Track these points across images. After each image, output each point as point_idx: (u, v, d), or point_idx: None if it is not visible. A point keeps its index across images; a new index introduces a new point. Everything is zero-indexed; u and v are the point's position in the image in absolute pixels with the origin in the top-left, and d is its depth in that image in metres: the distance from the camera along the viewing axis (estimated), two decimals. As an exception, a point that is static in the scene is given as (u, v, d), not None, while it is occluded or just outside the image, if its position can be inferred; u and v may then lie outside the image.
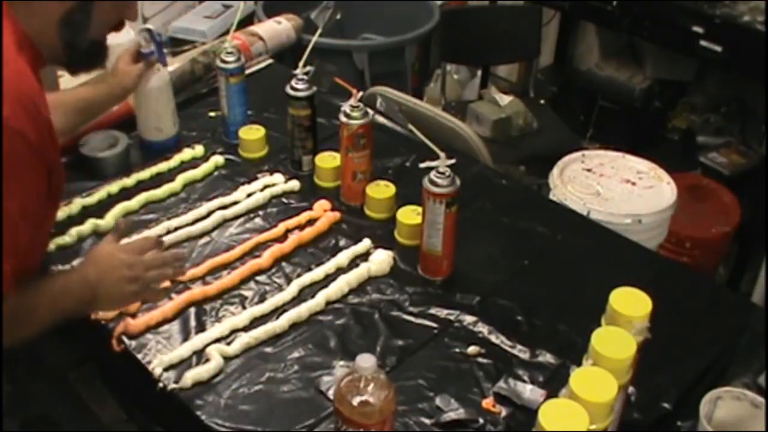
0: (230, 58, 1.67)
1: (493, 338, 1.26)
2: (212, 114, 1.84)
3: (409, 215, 1.45)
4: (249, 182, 1.60)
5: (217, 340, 1.24)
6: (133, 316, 1.27)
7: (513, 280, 1.40)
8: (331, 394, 1.13)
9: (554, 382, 1.15)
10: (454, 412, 1.12)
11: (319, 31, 1.66)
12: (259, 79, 1.96)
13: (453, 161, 1.29)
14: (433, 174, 1.30)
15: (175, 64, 1.88)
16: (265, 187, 1.59)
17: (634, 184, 1.92)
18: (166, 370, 1.18)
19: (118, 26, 1.22)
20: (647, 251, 1.54)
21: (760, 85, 2.43)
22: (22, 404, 1.39)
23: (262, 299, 1.32)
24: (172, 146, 1.68)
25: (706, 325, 1.31)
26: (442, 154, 1.29)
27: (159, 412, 1.26)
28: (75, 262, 1.37)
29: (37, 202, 1.10)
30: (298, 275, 1.37)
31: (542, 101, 3.08)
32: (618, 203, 1.85)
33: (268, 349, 1.23)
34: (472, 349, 1.23)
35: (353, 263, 1.41)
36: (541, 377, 1.18)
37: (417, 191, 1.33)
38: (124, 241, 1.23)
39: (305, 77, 1.57)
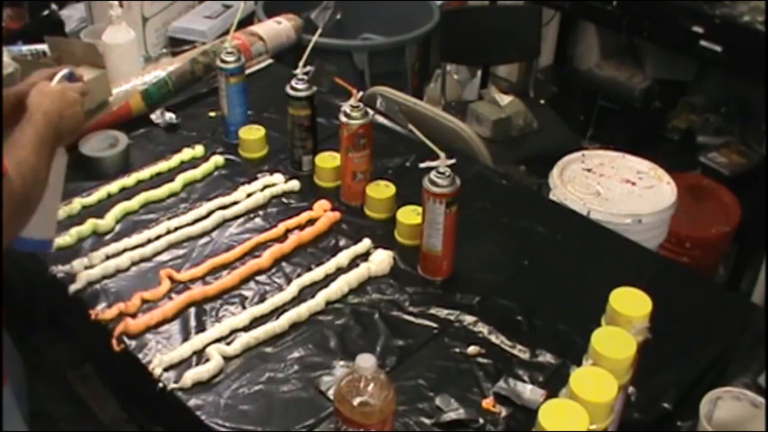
0: (230, 58, 1.67)
1: (493, 338, 1.26)
2: (212, 114, 1.84)
3: (409, 215, 1.45)
4: (249, 182, 1.60)
5: (217, 340, 1.24)
6: (133, 316, 1.27)
7: (513, 280, 1.40)
8: (331, 394, 1.13)
9: (554, 382, 1.14)
10: (454, 412, 1.12)
11: (319, 31, 1.66)
12: (259, 79, 1.96)
13: (453, 161, 1.29)
14: (433, 174, 1.30)
15: (175, 64, 1.88)
16: (265, 187, 1.59)
17: (634, 184, 1.92)
18: (166, 370, 1.18)
19: None
20: (647, 251, 1.54)
21: (760, 85, 2.43)
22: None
23: (262, 299, 1.32)
24: (40, 251, 1.31)
25: (706, 325, 1.31)
26: (442, 154, 1.29)
27: (159, 412, 1.26)
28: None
29: None
30: (298, 275, 1.37)
31: (542, 101, 3.08)
32: (618, 203, 1.85)
33: (268, 349, 1.23)
34: (472, 349, 1.23)
35: (353, 263, 1.40)
36: (541, 377, 1.18)
37: (417, 191, 1.33)
38: None
39: (305, 77, 1.57)
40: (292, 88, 1.57)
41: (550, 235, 1.50)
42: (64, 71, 1.27)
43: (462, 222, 1.35)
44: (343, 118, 1.48)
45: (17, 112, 1.16)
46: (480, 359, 1.22)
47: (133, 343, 1.23)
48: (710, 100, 3.07)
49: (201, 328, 1.26)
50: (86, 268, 1.36)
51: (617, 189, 1.90)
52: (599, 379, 0.93)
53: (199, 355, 1.21)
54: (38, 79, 1.26)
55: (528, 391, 1.15)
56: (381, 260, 1.39)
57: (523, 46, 3.01)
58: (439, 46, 2.87)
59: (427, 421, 1.12)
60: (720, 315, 1.35)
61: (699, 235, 2.37)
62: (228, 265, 1.39)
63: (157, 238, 1.44)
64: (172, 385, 1.16)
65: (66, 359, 1.81)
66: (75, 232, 1.43)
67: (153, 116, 1.80)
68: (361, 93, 1.49)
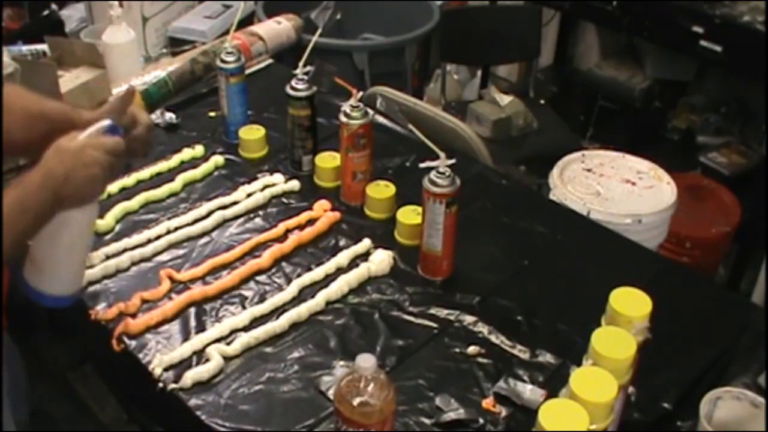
0: (230, 58, 1.67)
1: (493, 338, 1.26)
2: (212, 114, 1.84)
3: (409, 215, 1.45)
4: (249, 182, 1.60)
5: (217, 340, 1.24)
6: (133, 316, 1.28)
7: (513, 280, 1.39)
8: (331, 394, 1.13)
9: (554, 382, 1.14)
10: (454, 412, 1.12)
11: (319, 31, 1.66)
12: (259, 79, 1.97)
13: (453, 161, 1.29)
14: (433, 174, 1.30)
15: (175, 64, 1.88)
16: (265, 187, 1.59)
17: (634, 184, 1.92)
18: (166, 370, 1.18)
19: None
20: (647, 251, 1.54)
21: (760, 85, 2.43)
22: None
23: (262, 299, 1.32)
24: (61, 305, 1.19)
25: (706, 325, 1.31)
26: (442, 154, 1.29)
27: (159, 412, 1.26)
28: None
29: None
30: (298, 275, 1.37)
31: (542, 101, 3.08)
32: (618, 203, 1.85)
33: (268, 349, 1.23)
34: (472, 349, 1.23)
35: (353, 263, 1.40)
36: (541, 377, 1.18)
37: (417, 191, 1.33)
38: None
39: (305, 77, 1.57)
40: (292, 88, 1.57)
41: (550, 235, 1.50)
42: (104, 123, 1.09)
43: (462, 222, 1.35)
44: (343, 118, 1.48)
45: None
46: (480, 359, 1.22)
47: (133, 343, 1.23)
48: (710, 100, 3.07)
49: (201, 328, 1.26)
50: (86, 267, 1.36)
51: (617, 189, 1.90)
52: (599, 379, 0.93)
53: (199, 355, 1.21)
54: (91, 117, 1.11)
55: (528, 391, 1.15)
56: (381, 260, 1.39)
57: (523, 46, 3.01)
58: (439, 46, 2.87)
59: (427, 421, 1.12)
60: (720, 315, 1.35)
61: (699, 235, 2.37)
62: (228, 265, 1.39)
63: (157, 238, 1.44)
64: (172, 385, 1.16)
65: (66, 359, 1.81)
66: (75, 232, 1.43)
67: (153, 116, 1.79)
68: (361, 93, 1.49)
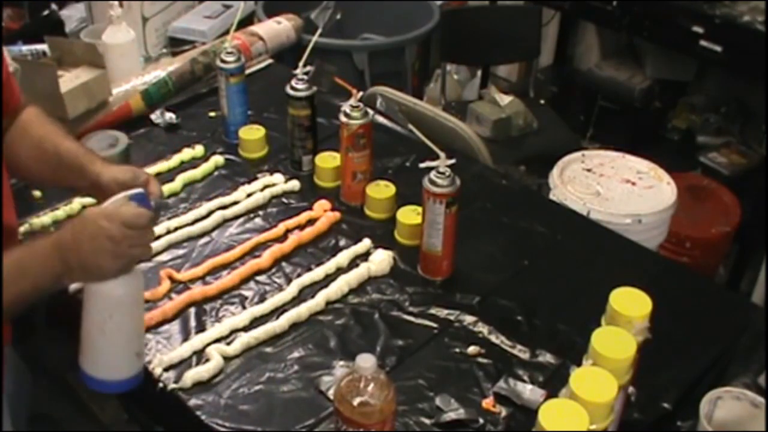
0: (230, 58, 1.67)
1: (493, 338, 1.26)
2: (212, 114, 1.84)
3: (409, 215, 1.45)
4: (249, 182, 1.60)
5: (217, 340, 1.24)
6: (133, 316, 1.27)
7: (513, 280, 1.39)
8: (331, 394, 1.13)
9: (554, 382, 1.14)
10: (454, 412, 1.12)
11: (319, 31, 1.66)
12: (259, 79, 1.97)
13: (453, 161, 1.29)
14: (433, 174, 1.30)
15: (175, 64, 1.88)
16: (265, 187, 1.59)
17: (634, 184, 1.92)
18: (166, 370, 1.18)
19: None
20: (647, 251, 1.54)
21: (760, 85, 2.43)
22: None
23: (262, 299, 1.32)
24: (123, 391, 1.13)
25: (706, 325, 1.31)
26: (442, 154, 1.29)
27: (159, 412, 1.26)
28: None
29: None
30: (298, 275, 1.37)
31: (542, 101, 3.09)
32: (618, 203, 1.85)
33: (268, 349, 1.23)
34: (472, 349, 1.23)
35: (353, 263, 1.40)
36: (541, 377, 1.18)
37: (417, 191, 1.33)
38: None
39: (305, 77, 1.57)
40: (292, 88, 1.57)
41: (550, 235, 1.50)
42: (131, 192, 1.04)
43: (462, 222, 1.35)
44: (343, 118, 1.48)
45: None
46: (480, 359, 1.22)
47: (133, 343, 1.23)
48: (710, 100, 3.07)
49: (201, 328, 1.26)
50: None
51: (617, 189, 1.90)
52: (599, 379, 0.93)
53: (199, 355, 1.21)
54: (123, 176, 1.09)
55: (528, 391, 1.15)
56: (381, 260, 1.39)
57: (523, 46, 3.01)
58: (439, 46, 2.88)
59: (427, 421, 1.12)
60: (720, 315, 1.35)
61: (699, 235, 2.37)
62: (228, 265, 1.39)
63: (157, 238, 1.44)
64: (172, 385, 1.16)
65: (66, 359, 1.81)
66: (75, 232, 1.43)
67: (153, 116, 1.80)
68: (361, 93, 1.49)
